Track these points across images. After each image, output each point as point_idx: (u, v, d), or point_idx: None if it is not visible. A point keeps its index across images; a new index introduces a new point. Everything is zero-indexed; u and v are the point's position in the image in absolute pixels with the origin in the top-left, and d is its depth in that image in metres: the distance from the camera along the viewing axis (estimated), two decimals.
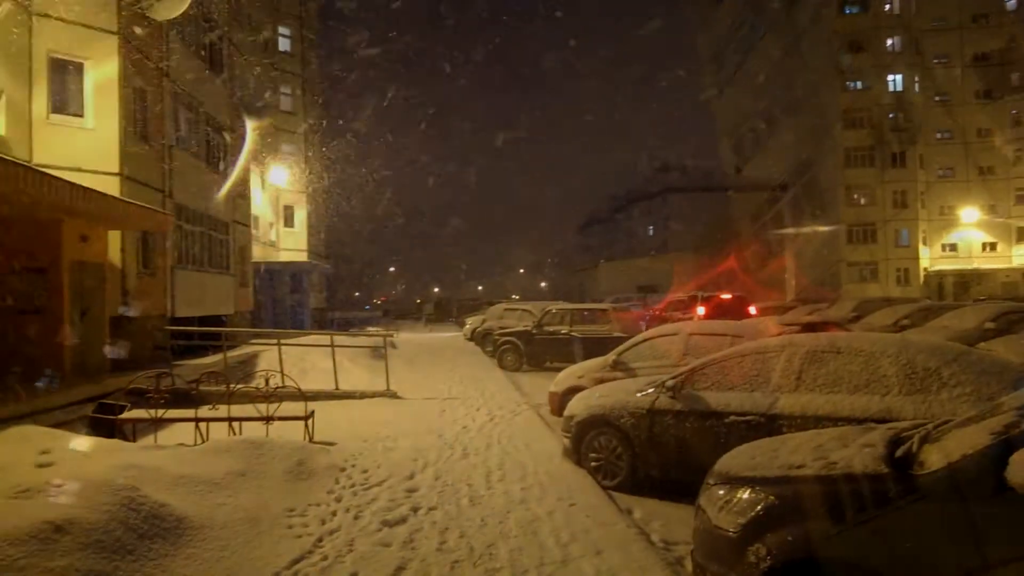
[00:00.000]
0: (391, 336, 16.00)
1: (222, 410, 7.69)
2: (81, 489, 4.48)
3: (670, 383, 6.17)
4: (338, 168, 35.56)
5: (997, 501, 2.76)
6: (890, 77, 46.98)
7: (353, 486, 6.20)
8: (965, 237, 46.45)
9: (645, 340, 9.29)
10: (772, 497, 3.32)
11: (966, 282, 42.94)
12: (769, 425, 5.34)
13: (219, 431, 7.65)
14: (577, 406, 7.03)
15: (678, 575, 4.28)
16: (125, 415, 7.84)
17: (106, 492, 4.51)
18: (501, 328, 19.89)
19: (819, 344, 5.60)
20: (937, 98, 47.42)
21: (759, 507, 3.32)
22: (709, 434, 5.73)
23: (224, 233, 19.61)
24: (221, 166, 19.66)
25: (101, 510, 4.28)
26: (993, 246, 46.20)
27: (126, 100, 13.45)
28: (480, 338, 23.23)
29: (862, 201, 46.95)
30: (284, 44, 31.10)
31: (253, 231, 24.78)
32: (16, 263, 10.84)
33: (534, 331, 16.90)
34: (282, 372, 9.02)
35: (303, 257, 31.03)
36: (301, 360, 13.65)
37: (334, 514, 5.44)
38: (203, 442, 7.15)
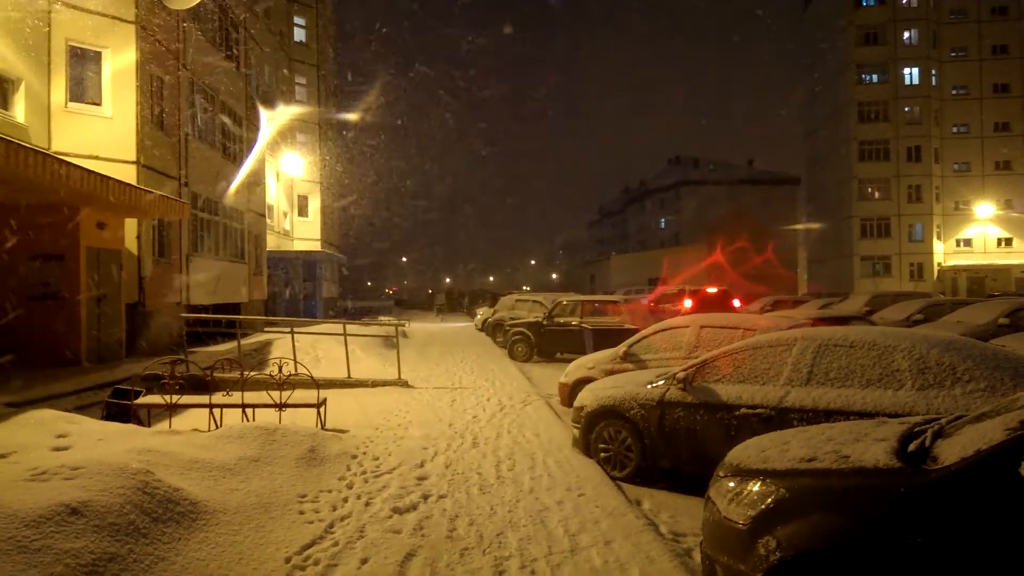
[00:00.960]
0: (403, 326, 16.05)
1: (236, 397, 7.76)
2: (96, 472, 4.54)
3: (681, 375, 6.16)
4: (352, 158, 35.66)
5: (1012, 498, 2.74)
6: (906, 70, 46.35)
7: (364, 473, 6.26)
8: (980, 232, 45.86)
9: (656, 332, 9.26)
10: (783, 490, 3.31)
11: (980, 277, 42.43)
12: (780, 418, 5.32)
13: (233, 417, 7.72)
14: (587, 397, 7.04)
15: (687, 566, 4.28)
16: (140, 400, 7.94)
17: (121, 476, 4.57)
18: (512, 319, 19.92)
19: (831, 337, 5.56)
20: (954, 91, 46.76)
21: (770, 500, 3.31)
22: (719, 427, 5.71)
23: (239, 222, 19.73)
24: (236, 155, 19.77)
25: (116, 493, 4.34)
26: (1009, 241, 45.63)
27: (143, 89, 13.54)
28: (491, 329, 23.28)
29: (876, 195, 46.48)
30: (299, 34, 31.15)
31: (267, 220, 24.91)
32: (34, 250, 10.97)
33: (545, 322, 16.91)
34: (295, 360, 9.09)
35: (316, 247, 31.17)
36: (313, 348, 13.76)
37: (345, 500, 5.49)
38: (217, 428, 7.22)
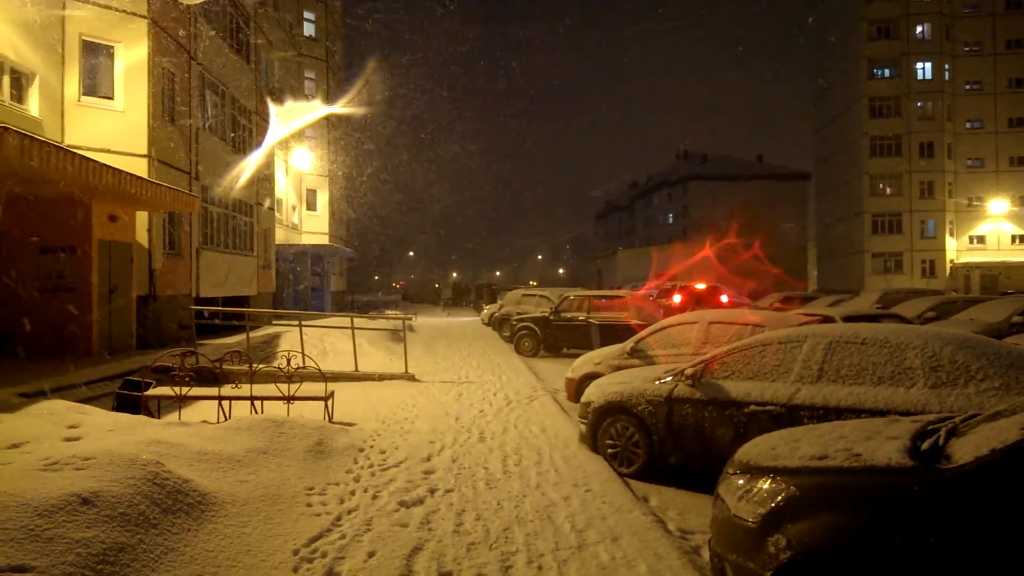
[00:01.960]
0: (409, 320, 16.08)
1: (244, 389, 7.81)
2: (107, 463, 4.57)
3: (689, 371, 6.12)
4: (361, 152, 35.68)
5: None
6: (919, 65, 45.86)
7: (371, 466, 6.27)
8: (994, 229, 45.38)
9: (664, 328, 9.23)
10: (793, 488, 3.29)
11: (994, 275, 42.05)
12: (790, 416, 5.28)
13: (241, 409, 7.76)
14: (594, 392, 7.02)
15: (695, 564, 4.26)
16: (150, 392, 7.99)
17: (131, 467, 4.60)
18: (519, 314, 19.91)
19: (843, 334, 5.51)
20: (968, 87, 46.24)
21: (780, 497, 3.29)
22: (728, 424, 5.68)
23: (248, 215, 19.80)
24: (246, 149, 19.81)
25: (126, 484, 4.37)
26: (1023, 238, 45.15)
27: (155, 83, 13.58)
28: (497, 323, 23.29)
29: (887, 191, 46.05)
30: (309, 29, 31.17)
31: (276, 214, 24.97)
32: (47, 242, 11.04)
33: (551, 317, 16.89)
34: (303, 353, 9.12)
35: (324, 240, 31.25)
36: (321, 342, 13.80)
37: (352, 493, 5.50)
38: (226, 420, 7.25)
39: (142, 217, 13.46)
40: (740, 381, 5.80)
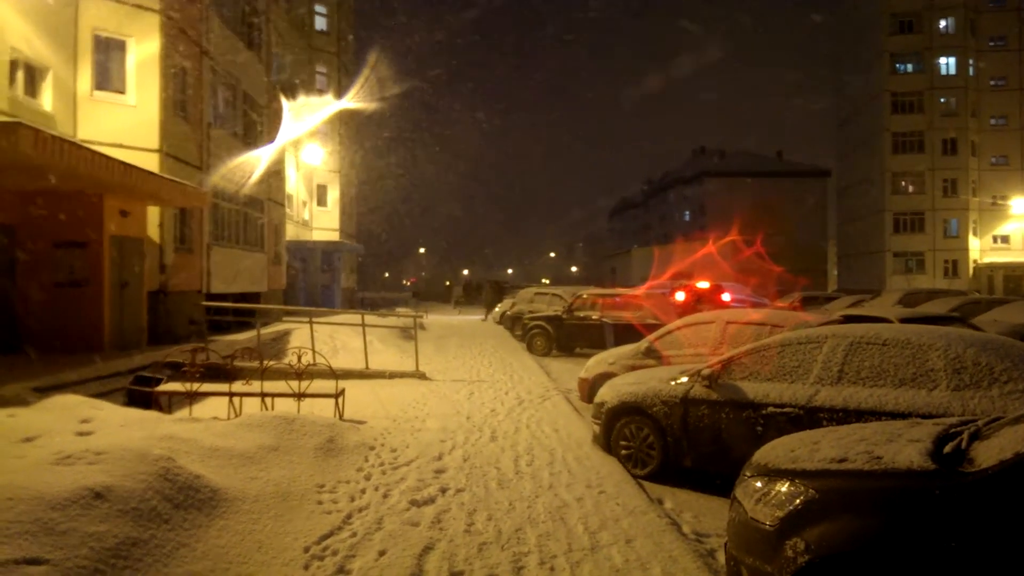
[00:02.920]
0: (420, 318, 16.07)
1: (255, 385, 7.80)
2: (120, 458, 4.56)
3: (706, 372, 6.04)
4: (372, 148, 35.75)
5: None
6: (942, 60, 45.18)
7: (382, 464, 6.24)
8: (1018, 228, 44.62)
9: (679, 328, 9.13)
10: (812, 491, 3.22)
11: (1018, 275, 41.42)
12: (809, 418, 5.19)
13: (252, 406, 7.76)
14: (608, 393, 6.94)
15: (710, 567, 4.19)
16: (161, 387, 8.01)
17: (143, 461, 4.59)
18: (531, 312, 19.84)
19: (864, 335, 5.40)
20: (992, 82, 45.52)
21: (798, 500, 3.22)
22: (745, 425, 5.59)
23: (259, 211, 19.87)
24: (257, 144, 19.87)
25: (139, 479, 4.37)
26: None
27: (166, 77, 13.63)
28: (509, 322, 23.23)
29: (910, 189, 45.44)
30: (320, 23, 31.19)
31: (287, 210, 25.06)
32: (59, 237, 11.11)
33: (564, 316, 16.80)
34: (313, 350, 9.12)
35: (335, 237, 31.31)
36: (332, 339, 13.83)
37: (363, 491, 5.47)
38: (236, 416, 7.26)
39: (153, 212, 13.52)
40: (758, 382, 5.70)
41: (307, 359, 7.89)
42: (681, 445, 6.13)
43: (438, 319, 29.60)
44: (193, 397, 7.74)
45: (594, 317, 16.17)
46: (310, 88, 29.17)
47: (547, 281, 71.95)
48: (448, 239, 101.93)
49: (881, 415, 4.87)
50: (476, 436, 7.53)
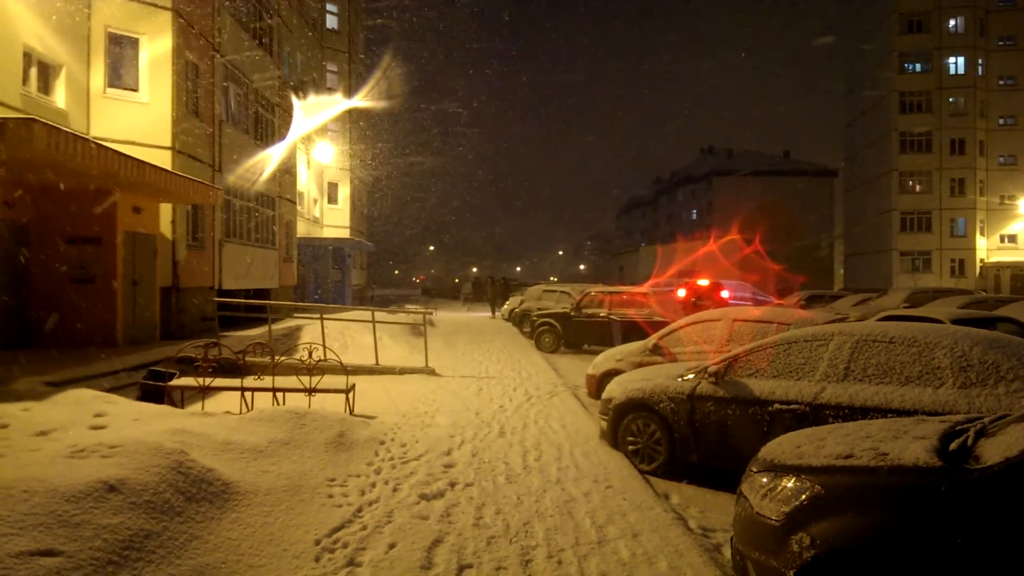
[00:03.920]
0: (430, 314, 16.13)
1: (266, 380, 7.88)
2: (133, 451, 4.63)
3: (713, 369, 6.07)
4: (383, 146, 35.82)
5: None
6: (951, 59, 44.85)
7: (392, 459, 6.30)
8: None
9: (686, 325, 9.15)
10: (818, 486, 3.25)
11: None
12: (815, 415, 5.22)
13: (263, 401, 7.84)
14: (615, 389, 6.98)
15: (716, 562, 4.22)
16: (174, 382, 8.10)
17: (156, 455, 4.66)
18: (539, 310, 19.87)
19: (870, 333, 5.42)
20: (1001, 82, 45.15)
21: (804, 496, 3.25)
22: (752, 422, 5.62)
23: (270, 208, 19.98)
24: (269, 142, 19.98)
25: (152, 472, 4.43)
26: None
27: (179, 75, 13.73)
28: (518, 319, 23.27)
29: (917, 188, 45.16)
30: (331, 21, 31.28)
31: (298, 207, 25.17)
32: (72, 233, 11.23)
33: (572, 313, 16.82)
34: (324, 346, 9.19)
35: (345, 234, 31.42)
36: (342, 335, 13.90)
37: (373, 485, 5.53)
38: (248, 411, 7.33)
39: (166, 209, 13.63)
40: (764, 379, 5.73)
41: (318, 355, 7.96)
42: (688, 441, 6.16)
43: (447, 316, 29.67)
44: (205, 392, 7.83)
45: (602, 314, 16.19)
46: (321, 86, 29.26)
47: (555, 279, 71.90)
48: (457, 236, 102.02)
49: (887, 412, 4.89)
50: (485, 431, 7.58)
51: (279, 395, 7.90)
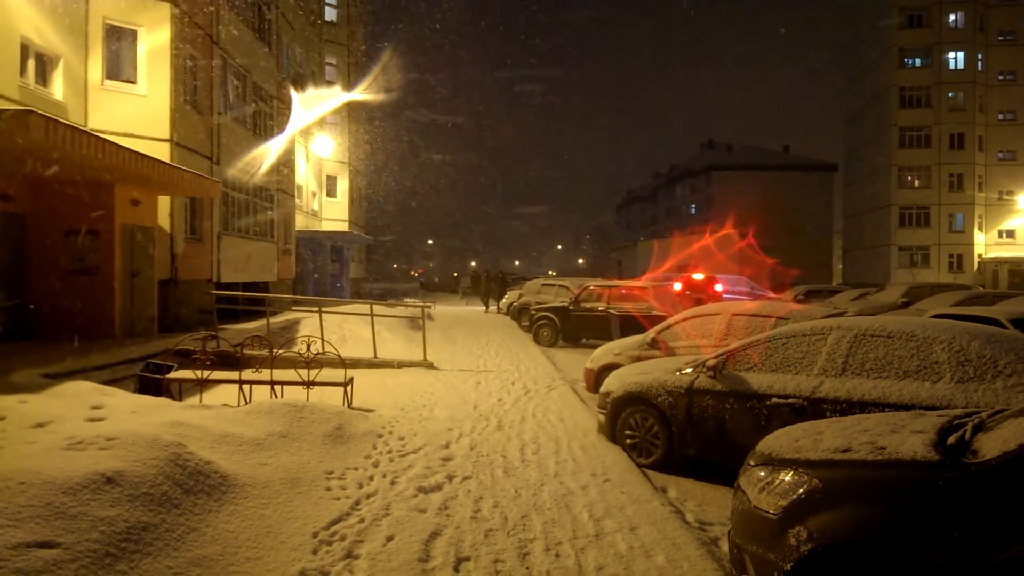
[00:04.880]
0: (428, 308, 16.12)
1: (264, 373, 7.87)
2: (131, 444, 4.63)
3: (711, 363, 6.07)
4: (382, 140, 35.72)
5: None
6: (951, 54, 44.78)
7: (390, 452, 6.30)
8: None
9: (685, 319, 9.15)
10: (816, 480, 3.25)
11: (1023, 270, 41.13)
12: (813, 409, 5.22)
13: (261, 393, 7.84)
14: (613, 383, 6.98)
15: (713, 555, 4.23)
16: (172, 375, 8.09)
17: (154, 447, 4.65)
18: (537, 303, 19.87)
19: (869, 327, 5.42)
20: (1001, 77, 45.10)
21: (802, 490, 3.25)
22: (749, 416, 5.63)
23: (269, 201, 19.94)
24: (267, 135, 19.92)
25: (149, 464, 4.43)
26: None
27: (177, 67, 13.68)
28: (516, 313, 23.26)
29: (916, 183, 45.17)
30: (331, 14, 31.14)
31: (296, 200, 25.12)
32: (70, 225, 11.20)
33: (571, 307, 16.82)
34: (322, 339, 9.18)
35: (344, 227, 31.36)
36: (340, 328, 13.89)
37: (371, 478, 5.53)
38: (246, 403, 7.33)
39: (164, 202, 13.60)
40: (762, 373, 5.73)
41: (316, 348, 7.96)
42: (685, 435, 6.17)
43: (446, 310, 29.66)
44: (203, 384, 7.82)
45: (600, 308, 16.19)
46: (320, 79, 29.15)
47: (554, 273, 71.84)
48: (456, 230, 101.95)
49: (885, 407, 4.90)
50: (483, 425, 7.59)
51: (277, 388, 7.89)
